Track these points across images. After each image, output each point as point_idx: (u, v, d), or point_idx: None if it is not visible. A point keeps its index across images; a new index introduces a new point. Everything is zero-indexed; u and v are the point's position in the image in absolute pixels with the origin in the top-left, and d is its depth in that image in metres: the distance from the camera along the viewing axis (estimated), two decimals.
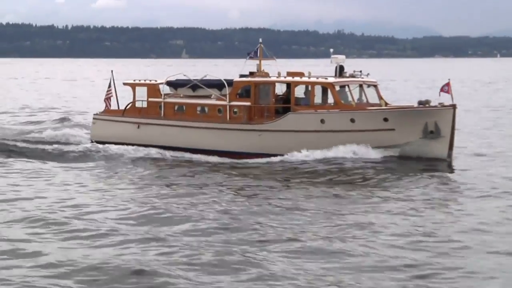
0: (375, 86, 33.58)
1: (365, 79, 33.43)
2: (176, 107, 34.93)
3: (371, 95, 33.08)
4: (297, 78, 33.03)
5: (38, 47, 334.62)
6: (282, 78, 33.34)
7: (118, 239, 18.92)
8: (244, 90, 33.46)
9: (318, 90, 32.78)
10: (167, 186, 26.84)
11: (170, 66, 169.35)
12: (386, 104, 32.91)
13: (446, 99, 31.31)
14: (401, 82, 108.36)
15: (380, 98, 33.14)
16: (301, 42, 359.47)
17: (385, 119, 31.12)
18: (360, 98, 33.01)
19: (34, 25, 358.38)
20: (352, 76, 33.31)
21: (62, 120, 46.71)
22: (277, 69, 33.63)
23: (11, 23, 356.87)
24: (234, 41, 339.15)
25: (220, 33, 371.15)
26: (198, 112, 34.39)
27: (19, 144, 35.39)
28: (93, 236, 19.28)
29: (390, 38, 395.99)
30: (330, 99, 32.57)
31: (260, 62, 34.73)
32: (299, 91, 32.97)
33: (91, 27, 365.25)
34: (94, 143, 35.28)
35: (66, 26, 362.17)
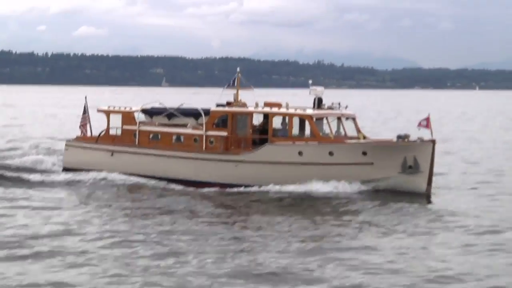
0: (353, 119, 33.20)
1: (344, 111, 33.03)
2: (151, 135, 34.32)
3: (349, 128, 32.70)
4: (275, 109, 32.53)
5: (18, 74, 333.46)
6: (260, 109, 32.83)
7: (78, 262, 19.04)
8: (221, 120, 32.91)
9: (296, 122, 32.33)
10: (135, 214, 26.44)
11: (151, 93, 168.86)
12: (364, 137, 32.52)
13: (425, 134, 30.91)
14: (380, 114, 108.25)
15: (358, 131, 32.77)
16: (281, 72, 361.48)
17: (364, 153, 30.66)
18: (338, 131, 32.61)
19: (14, 52, 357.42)
20: (330, 108, 32.91)
21: (33, 146, 45.72)
22: (255, 98, 33.15)
23: None
24: (214, 70, 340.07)
25: (200, 62, 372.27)
26: (173, 141, 33.79)
27: None
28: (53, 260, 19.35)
29: (369, 69, 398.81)
30: (308, 131, 32.11)
31: (237, 91, 34.21)
32: (276, 122, 32.45)
33: (71, 54, 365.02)
34: (66, 171, 34.71)
35: (46, 53, 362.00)
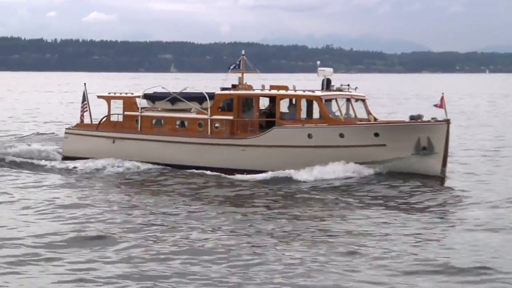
0: (363, 100, 32.12)
1: (353, 93, 31.95)
2: (153, 121, 33.33)
3: (359, 110, 31.62)
4: (282, 92, 31.42)
5: (27, 60, 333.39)
6: (267, 91, 31.73)
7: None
8: (226, 103, 31.83)
9: (304, 104, 31.25)
10: (137, 201, 25.60)
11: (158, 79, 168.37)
12: (375, 119, 31.46)
13: (439, 114, 29.86)
14: (391, 97, 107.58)
15: (369, 113, 31.68)
16: (289, 56, 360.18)
17: (376, 134, 29.57)
18: (347, 113, 31.54)
19: (23, 38, 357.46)
20: (339, 89, 31.78)
21: (31, 135, 44.69)
22: (260, 82, 32.09)
23: None
24: (223, 56, 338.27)
25: (208, 47, 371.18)
26: (177, 126, 32.73)
27: None
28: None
29: (378, 53, 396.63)
30: (316, 113, 31.00)
31: (242, 75, 33.13)
32: (283, 105, 31.36)
33: (80, 40, 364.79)
34: (66, 159, 33.78)
35: (55, 39, 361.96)
